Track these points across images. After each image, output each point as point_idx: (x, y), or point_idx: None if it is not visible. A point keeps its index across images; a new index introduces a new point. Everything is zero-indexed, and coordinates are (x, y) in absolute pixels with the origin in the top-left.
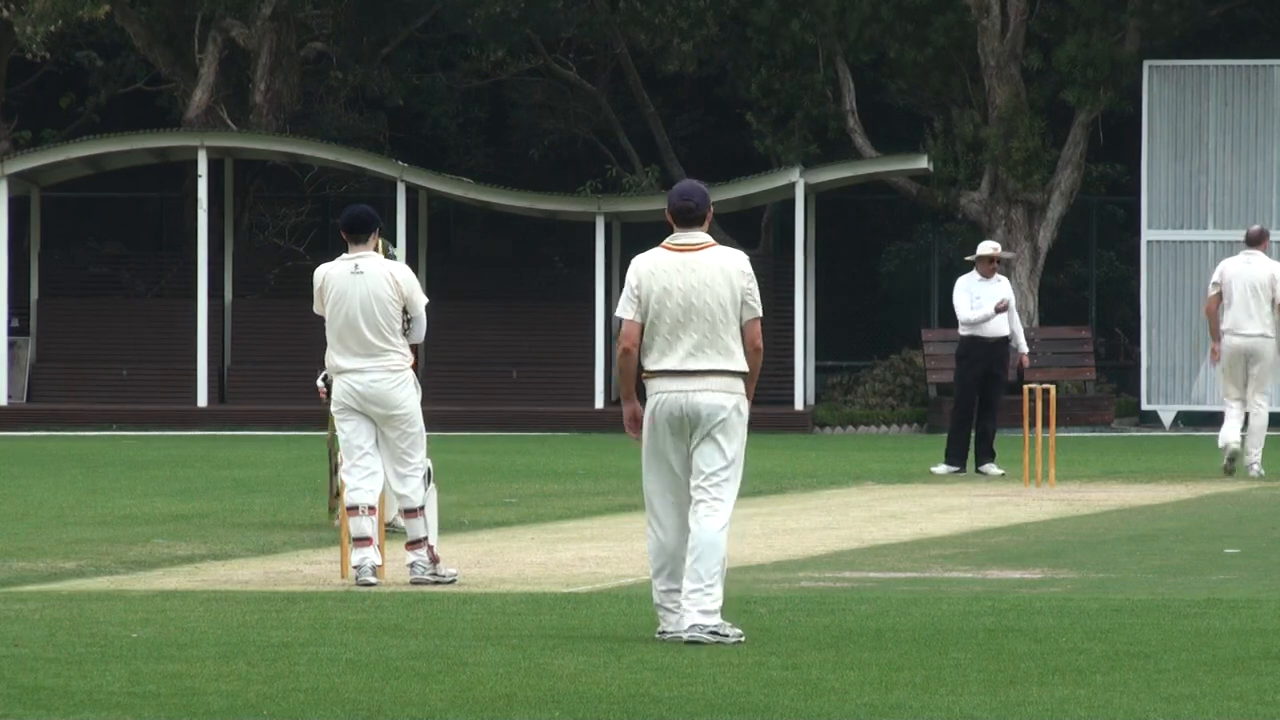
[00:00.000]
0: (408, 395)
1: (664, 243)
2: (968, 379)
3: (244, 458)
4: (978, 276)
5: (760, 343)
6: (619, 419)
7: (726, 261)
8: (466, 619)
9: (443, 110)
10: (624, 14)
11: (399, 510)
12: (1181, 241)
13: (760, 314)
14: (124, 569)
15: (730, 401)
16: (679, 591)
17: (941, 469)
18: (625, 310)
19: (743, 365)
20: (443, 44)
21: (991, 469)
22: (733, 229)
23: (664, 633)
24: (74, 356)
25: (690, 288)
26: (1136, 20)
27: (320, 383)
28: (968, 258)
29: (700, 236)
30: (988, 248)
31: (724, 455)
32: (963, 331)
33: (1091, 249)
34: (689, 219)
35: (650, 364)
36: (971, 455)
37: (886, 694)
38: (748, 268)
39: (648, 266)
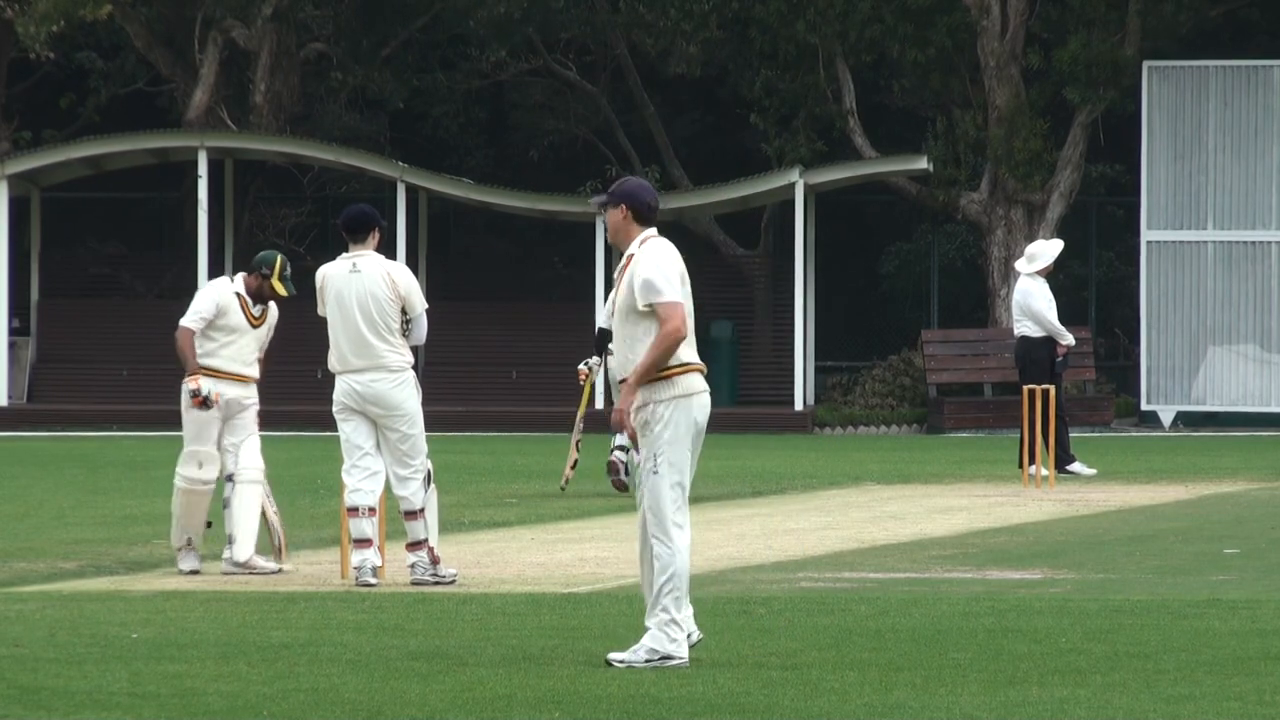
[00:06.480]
0: (407, 396)
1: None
2: (1044, 378)
3: None
4: (1042, 279)
5: None
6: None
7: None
8: (466, 619)
9: (443, 111)
10: (627, 16)
11: (400, 512)
12: (1181, 242)
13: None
14: (124, 569)
15: None
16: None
17: (1083, 469)
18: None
19: None
20: (443, 45)
21: (1080, 468)
22: (732, 229)
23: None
24: (74, 357)
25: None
26: (1140, 18)
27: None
28: (1041, 268)
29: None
30: (1059, 247)
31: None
32: (1035, 334)
33: (1091, 249)
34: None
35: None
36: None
37: (886, 694)
38: None
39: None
